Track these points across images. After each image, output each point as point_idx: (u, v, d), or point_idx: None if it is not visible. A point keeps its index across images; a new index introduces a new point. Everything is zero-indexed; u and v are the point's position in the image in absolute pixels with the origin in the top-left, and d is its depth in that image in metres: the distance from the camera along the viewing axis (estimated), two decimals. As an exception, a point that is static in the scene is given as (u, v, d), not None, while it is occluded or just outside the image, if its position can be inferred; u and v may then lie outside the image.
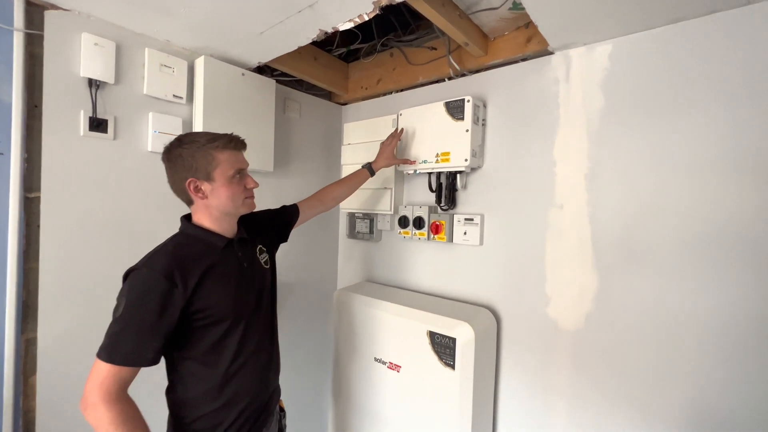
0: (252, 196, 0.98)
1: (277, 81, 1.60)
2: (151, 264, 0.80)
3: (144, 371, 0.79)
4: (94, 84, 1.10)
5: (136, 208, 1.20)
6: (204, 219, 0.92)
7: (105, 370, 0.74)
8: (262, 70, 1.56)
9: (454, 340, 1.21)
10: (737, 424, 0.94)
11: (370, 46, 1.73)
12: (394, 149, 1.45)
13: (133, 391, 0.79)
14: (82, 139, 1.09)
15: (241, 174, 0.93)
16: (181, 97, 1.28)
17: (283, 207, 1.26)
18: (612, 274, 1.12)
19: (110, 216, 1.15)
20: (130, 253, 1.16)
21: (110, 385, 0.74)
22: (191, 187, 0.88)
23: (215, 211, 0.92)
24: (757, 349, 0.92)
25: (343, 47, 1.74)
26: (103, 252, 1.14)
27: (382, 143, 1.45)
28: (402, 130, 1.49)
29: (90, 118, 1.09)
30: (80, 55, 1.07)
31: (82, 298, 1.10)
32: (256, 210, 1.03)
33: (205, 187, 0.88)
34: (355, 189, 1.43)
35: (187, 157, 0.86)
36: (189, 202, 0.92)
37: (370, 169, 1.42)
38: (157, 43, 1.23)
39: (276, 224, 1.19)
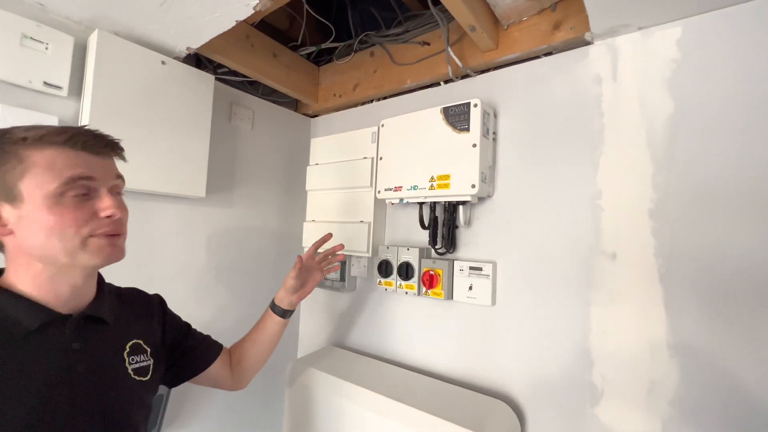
0: (114, 233, 0.54)
1: (221, 79, 1.21)
2: None
3: None
4: None
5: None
6: (21, 276, 0.51)
7: None
8: (200, 63, 1.18)
9: (460, 464, 0.77)
10: None
11: (345, 46, 1.39)
12: (304, 268, 0.94)
13: None
14: None
15: (82, 187, 0.51)
16: (59, 87, 0.87)
17: (194, 330, 0.83)
18: (702, 360, 0.73)
19: None
20: None
21: None
22: None
23: (34, 259, 0.50)
24: None
25: (312, 45, 1.39)
26: None
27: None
28: (330, 235, 1.02)
29: None
30: None
31: None
32: (117, 271, 0.60)
33: (7, 212, 0.48)
34: (270, 346, 0.92)
35: None
36: None
37: (275, 308, 0.90)
38: (21, 6, 0.83)
39: (170, 330, 0.74)
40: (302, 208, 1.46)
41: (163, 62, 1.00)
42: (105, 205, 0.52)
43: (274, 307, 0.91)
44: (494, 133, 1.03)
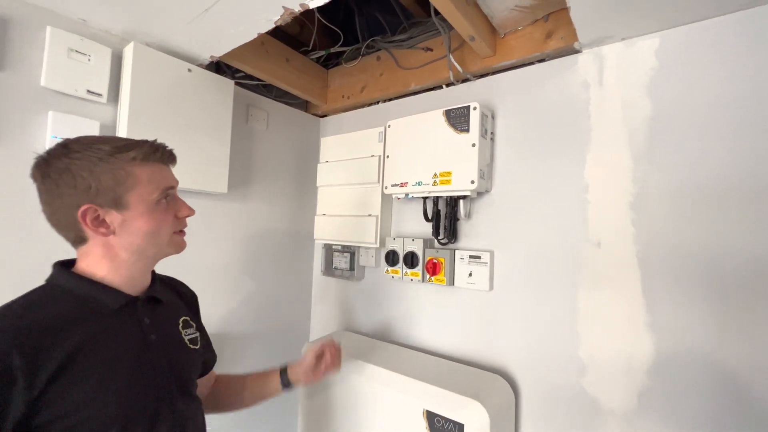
0: (183, 232, 0.68)
1: (240, 84, 1.31)
2: None
3: None
4: (-43, 67, 0.78)
5: (27, 235, 0.86)
6: (98, 266, 0.60)
7: None
8: (219, 68, 1.28)
9: (461, 426, 0.88)
10: None
11: (353, 50, 1.48)
12: (320, 362, 0.89)
13: None
14: (-68, 144, 0.76)
15: (169, 197, 0.63)
16: (99, 95, 0.97)
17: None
18: (673, 336, 0.83)
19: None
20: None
21: None
22: (88, 219, 0.57)
23: (124, 252, 0.61)
24: None
25: (321, 50, 1.48)
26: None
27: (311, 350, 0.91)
28: (340, 344, 0.96)
29: (-53, 114, 0.76)
30: (-62, 27, 0.76)
31: None
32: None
33: (113, 217, 0.58)
34: (252, 402, 0.88)
35: (81, 172, 0.56)
36: (79, 242, 0.60)
37: (284, 378, 0.87)
38: (67, 22, 0.92)
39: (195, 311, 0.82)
40: (313, 203, 1.56)
41: (189, 70, 1.10)
42: (183, 209, 0.66)
43: (283, 374, 0.87)
44: (492, 133, 1.12)
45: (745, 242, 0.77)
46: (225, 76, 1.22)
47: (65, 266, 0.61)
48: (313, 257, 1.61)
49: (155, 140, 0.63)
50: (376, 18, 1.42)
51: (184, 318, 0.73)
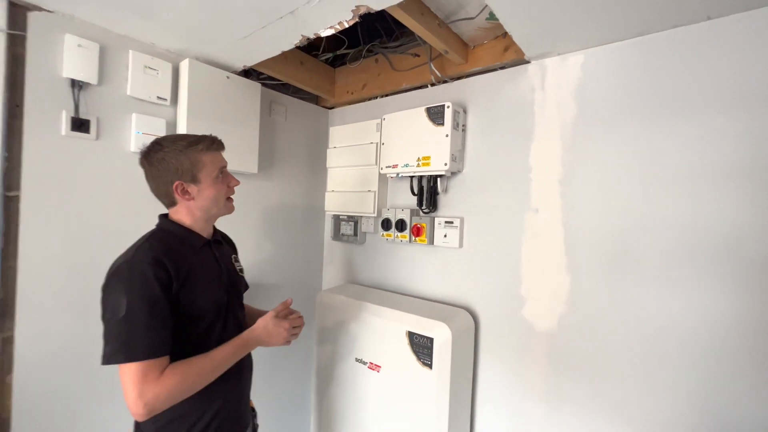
0: (232, 199, 1.00)
1: (263, 84, 1.62)
2: (143, 256, 0.81)
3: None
4: (76, 84, 1.11)
5: (118, 207, 1.21)
6: (185, 218, 0.94)
7: (132, 371, 0.74)
8: (248, 73, 1.58)
9: (431, 340, 1.24)
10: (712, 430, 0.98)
11: (356, 52, 1.76)
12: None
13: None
14: (64, 139, 1.10)
15: (223, 173, 0.96)
16: (165, 99, 1.29)
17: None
18: (584, 277, 1.16)
19: (91, 215, 1.16)
20: (110, 251, 1.17)
21: (144, 387, 0.75)
22: (178, 190, 0.89)
23: (198, 211, 0.94)
24: (736, 355, 0.94)
25: (329, 52, 1.77)
26: (83, 251, 1.14)
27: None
28: (290, 300, 1.05)
29: (72, 118, 1.10)
30: (63, 56, 1.08)
31: (60, 298, 1.10)
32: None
33: (192, 189, 0.91)
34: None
35: (171, 160, 0.88)
36: (171, 204, 0.94)
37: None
38: (142, 46, 1.24)
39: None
40: (323, 181, 1.90)
41: (227, 77, 1.41)
42: (232, 180, 0.98)
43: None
44: (464, 125, 1.42)
45: (637, 212, 1.08)
46: (252, 79, 1.54)
47: (165, 216, 0.96)
48: (324, 225, 1.96)
49: (212, 134, 0.96)
50: (375, 26, 1.70)
51: (234, 255, 1.08)
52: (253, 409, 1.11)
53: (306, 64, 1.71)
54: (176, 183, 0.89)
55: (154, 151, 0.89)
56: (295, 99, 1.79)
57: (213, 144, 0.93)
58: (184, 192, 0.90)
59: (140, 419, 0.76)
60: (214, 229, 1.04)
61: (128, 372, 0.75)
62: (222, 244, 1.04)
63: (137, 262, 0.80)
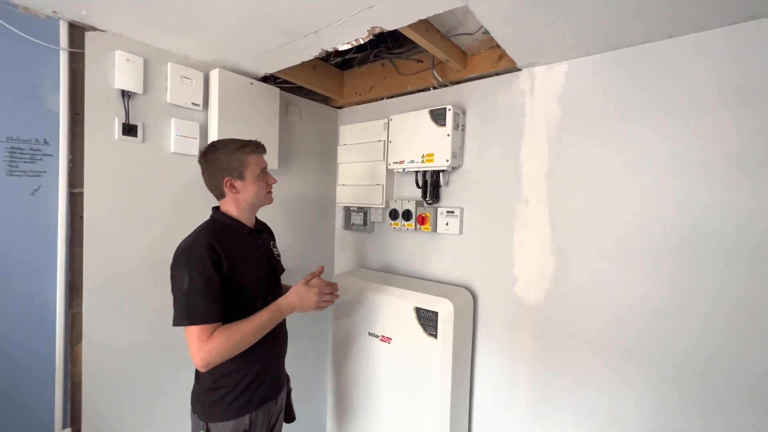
0: (271, 191, 1.18)
1: (280, 88, 1.77)
2: (201, 241, 0.99)
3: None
4: (126, 94, 1.27)
5: (161, 200, 1.38)
6: (232, 210, 1.12)
7: (194, 332, 0.93)
8: (267, 78, 1.74)
9: (436, 313, 1.43)
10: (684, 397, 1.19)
11: (363, 56, 1.92)
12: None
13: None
14: (117, 143, 1.26)
15: (263, 172, 1.13)
16: (198, 105, 1.46)
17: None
18: (566, 258, 1.35)
19: (140, 207, 1.33)
20: (156, 239, 1.36)
21: (201, 345, 0.93)
22: (228, 185, 1.07)
23: (243, 203, 1.11)
24: (705, 328, 1.15)
25: (338, 57, 1.93)
26: (135, 238, 1.32)
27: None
28: (322, 268, 1.21)
29: (123, 124, 1.27)
30: (114, 70, 1.24)
31: (118, 278, 1.28)
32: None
33: (238, 184, 1.08)
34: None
35: (224, 159, 1.06)
36: (221, 196, 1.12)
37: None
38: (178, 58, 1.40)
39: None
40: (335, 175, 2.08)
41: (251, 83, 1.57)
42: (271, 179, 1.15)
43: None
44: (463, 125, 1.60)
45: (613, 203, 1.27)
46: (270, 84, 1.69)
47: (216, 208, 1.13)
48: (335, 216, 2.15)
49: (256, 140, 1.13)
50: (381, 33, 1.85)
51: (272, 242, 1.27)
52: (287, 375, 1.31)
53: (318, 69, 1.86)
54: (226, 179, 1.06)
55: (211, 152, 1.07)
56: (307, 100, 1.95)
57: (258, 148, 1.11)
58: (232, 186, 1.08)
59: (201, 369, 0.95)
60: (256, 219, 1.22)
61: (190, 333, 0.94)
62: (262, 233, 1.22)
63: (195, 247, 0.98)
